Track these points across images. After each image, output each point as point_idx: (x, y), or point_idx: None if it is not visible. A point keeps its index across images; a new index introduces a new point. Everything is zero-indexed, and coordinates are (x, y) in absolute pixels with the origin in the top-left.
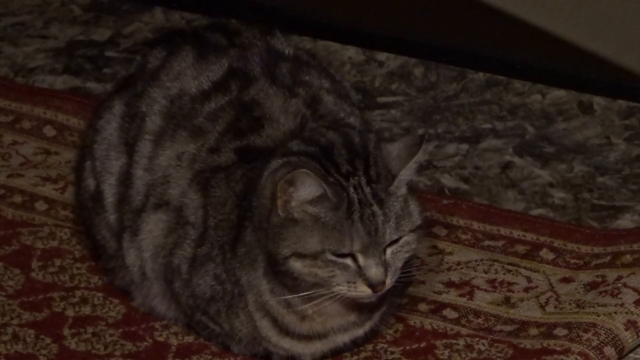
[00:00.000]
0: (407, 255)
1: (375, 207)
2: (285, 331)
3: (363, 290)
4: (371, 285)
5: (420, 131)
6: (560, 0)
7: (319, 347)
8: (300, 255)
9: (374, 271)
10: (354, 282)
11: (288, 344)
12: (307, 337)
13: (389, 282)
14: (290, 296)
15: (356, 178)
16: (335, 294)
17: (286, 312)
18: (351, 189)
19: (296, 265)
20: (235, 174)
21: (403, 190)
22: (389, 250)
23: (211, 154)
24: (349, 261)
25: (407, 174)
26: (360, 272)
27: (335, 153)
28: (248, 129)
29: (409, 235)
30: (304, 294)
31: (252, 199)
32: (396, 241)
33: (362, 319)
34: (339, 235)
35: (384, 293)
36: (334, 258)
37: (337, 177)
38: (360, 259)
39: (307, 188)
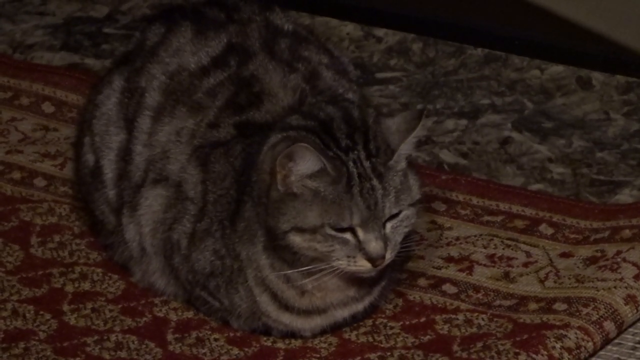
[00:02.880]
0: (406, 229)
1: (375, 181)
2: (284, 306)
3: (363, 265)
4: (371, 259)
5: (420, 106)
6: None
7: (318, 322)
8: (300, 230)
9: (374, 245)
10: (354, 257)
11: (288, 319)
12: (307, 312)
13: (389, 256)
14: (289, 271)
15: (355, 152)
16: (334, 268)
17: (286, 287)
18: (350, 163)
19: (296, 239)
20: (235, 149)
21: (402, 164)
22: (388, 225)
23: (210, 129)
24: (348, 236)
25: (406, 148)
26: (359, 246)
27: (335, 127)
28: (247, 104)
29: (409, 209)
30: (304, 268)
31: (251, 174)
32: (396, 216)
33: (362, 293)
34: (338, 209)
35: (383, 268)
36: (333, 232)
37: (337, 152)
38: (360, 233)
39: (307, 162)
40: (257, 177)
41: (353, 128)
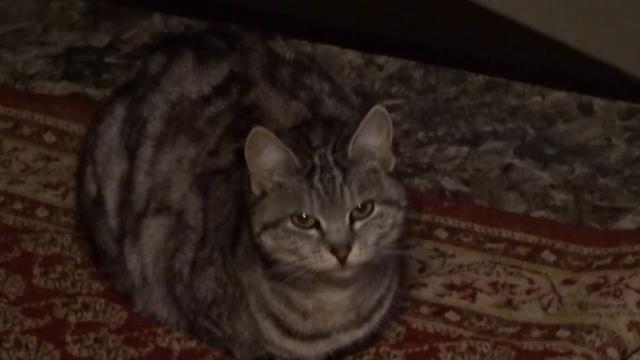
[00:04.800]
0: (381, 230)
1: (335, 171)
2: (288, 331)
3: (328, 259)
4: (333, 249)
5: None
6: (559, 4)
7: (322, 347)
8: (266, 226)
9: (336, 235)
10: (319, 251)
11: (291, 346)
12: (310, 337)
13: (357, 251)
14: (285, 283)
15: (323, 149)
16: (306, 268)
17: (288, 310)
18: (316, 158)
19: (266, 240)
20: (234, 176)
21: (371, 163)
22: (359, 223)
23: (211, 157)
24: (312, 231)
25: (365, 141)
26: (323, 239)
27: (312, 132)
28: (247, 130)
29: (381, 207)
30: (282, 270)
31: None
32: (368, 213)
33: (362, 317)
34: (299, 198)
35: (357, 270)
36: (296, 228)
37: (306, 149)
38: (323, 224)
39: (270, 153)
40: (244, 189)
41: (328, 133)
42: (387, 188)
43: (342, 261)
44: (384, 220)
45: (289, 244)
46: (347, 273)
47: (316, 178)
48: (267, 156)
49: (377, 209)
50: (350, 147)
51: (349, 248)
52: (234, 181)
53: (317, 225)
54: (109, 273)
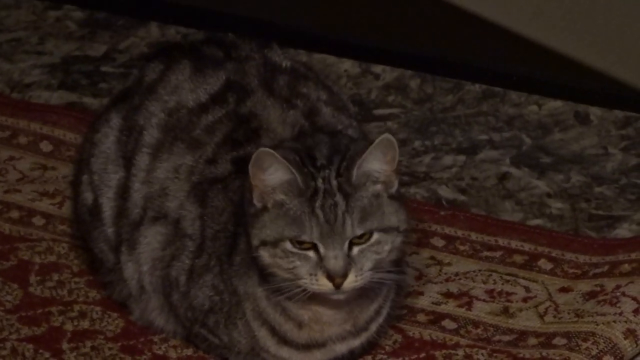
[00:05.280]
0: (378, 256)
1: (338, 198)
2: (283, 340)
3: (324, 284)
4: (330, 276)
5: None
6: (556, 14)
7: (318, 356)
8: (265, 243)
9: (333, 262)
10: (315, 274)
11: (287, 354)
12: (306, 347)
13: (353, 278)
14: (283, 295)
15: (327, 171)
16: (301, 287)
17: (283, 319)
18: (320, 180)
19: (264, 255)
20: (233, 185)
21: (375, 187)
22: (356, 248)
23: (208, 165)
24: (310, 253)
25: (370, 166)
26: (320, 263)
27: (317, 149)
28: (245, 139)
29: (380, 234)
30: (278, 285)
31: (244, 204)
32: (366, 239)
33: (359, 328)
34: (299, 222)
35: (352, 292)
36: (294, 249)
37: (310, 169)
38: (321, 249)
39: (276, 172)
40: (245, 199)
41: (333, 151)
42: (387, 215)
43: (338, 287)
44: (381, 246)
45: (286, 263)
46: (342, 296)
47: (318, 203)
48: (271, 175)
49: (375, 236)
50: (354, 172)
51: (345, 276)
52: (231, 189)
53: (315, 247)
54: (106, 281)
